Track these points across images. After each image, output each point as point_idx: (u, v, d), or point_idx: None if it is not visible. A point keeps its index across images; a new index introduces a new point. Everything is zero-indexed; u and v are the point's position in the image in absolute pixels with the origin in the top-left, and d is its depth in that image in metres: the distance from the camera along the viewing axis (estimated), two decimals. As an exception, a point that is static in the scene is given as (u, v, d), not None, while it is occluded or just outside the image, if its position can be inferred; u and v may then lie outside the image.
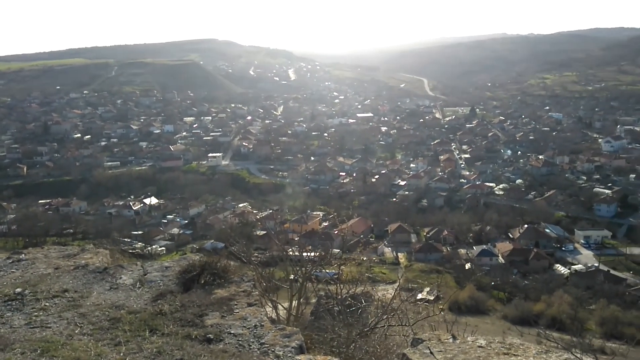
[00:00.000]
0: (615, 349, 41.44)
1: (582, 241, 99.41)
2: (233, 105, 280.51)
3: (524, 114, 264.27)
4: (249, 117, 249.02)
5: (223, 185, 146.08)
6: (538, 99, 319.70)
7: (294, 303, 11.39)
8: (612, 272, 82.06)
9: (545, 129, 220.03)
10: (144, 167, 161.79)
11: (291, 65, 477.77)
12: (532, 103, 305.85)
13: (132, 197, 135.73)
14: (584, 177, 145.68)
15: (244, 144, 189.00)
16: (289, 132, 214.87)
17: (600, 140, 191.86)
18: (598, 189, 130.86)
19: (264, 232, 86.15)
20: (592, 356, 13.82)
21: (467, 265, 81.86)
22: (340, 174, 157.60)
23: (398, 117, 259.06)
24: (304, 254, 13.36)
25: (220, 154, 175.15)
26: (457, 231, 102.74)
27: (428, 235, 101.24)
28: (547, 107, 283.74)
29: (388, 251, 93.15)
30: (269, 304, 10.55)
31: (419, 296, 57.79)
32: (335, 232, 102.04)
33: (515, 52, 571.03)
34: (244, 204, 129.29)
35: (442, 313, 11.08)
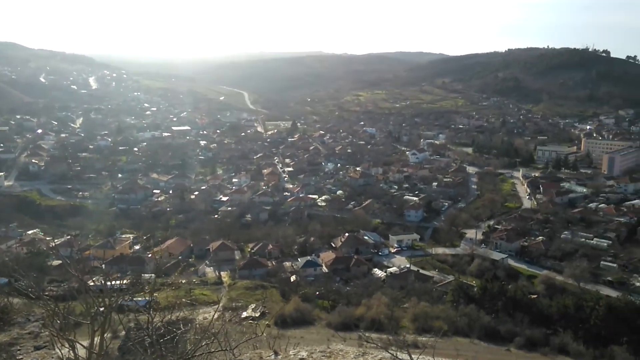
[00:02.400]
0: (425, 342, 47.06)
1: (396, 245, 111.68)
2: (19, 116, 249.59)
3: (342, 128, 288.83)
4: (40, 130, 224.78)
5: (6, 209, 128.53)
6: (354, 115, 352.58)
7: (97, 339, 10.34)
8: (421, 271, 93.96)
9: (361, 142, 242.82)
10: None
11: (92, 73, 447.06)
12: (349, 118, 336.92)
13: None
14: (396, 187, 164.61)
15: (33, 160, 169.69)
16: (91, 147, 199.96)
17: (407, 152, 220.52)
18: (407, 197, 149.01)
19: (60, 261, 76.95)
20: (405, 352, 15.23)
21: (293, 278, 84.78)
22: (155, 191, 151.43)
23: (218, 131, 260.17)
24: (110, 282, 12.35)
25: (2, 174, 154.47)
26: (282, 244, 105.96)
27: (253, 250, 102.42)
28: (362, 122, 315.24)
29: (210, 271, 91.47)
30: (66, 344, 9.42)
31: (244, 315, 57.80)
32: (149, 255, 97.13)
33: (332, 69, 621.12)
34: (34, 231, 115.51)
35: (266, 330, 11.12)
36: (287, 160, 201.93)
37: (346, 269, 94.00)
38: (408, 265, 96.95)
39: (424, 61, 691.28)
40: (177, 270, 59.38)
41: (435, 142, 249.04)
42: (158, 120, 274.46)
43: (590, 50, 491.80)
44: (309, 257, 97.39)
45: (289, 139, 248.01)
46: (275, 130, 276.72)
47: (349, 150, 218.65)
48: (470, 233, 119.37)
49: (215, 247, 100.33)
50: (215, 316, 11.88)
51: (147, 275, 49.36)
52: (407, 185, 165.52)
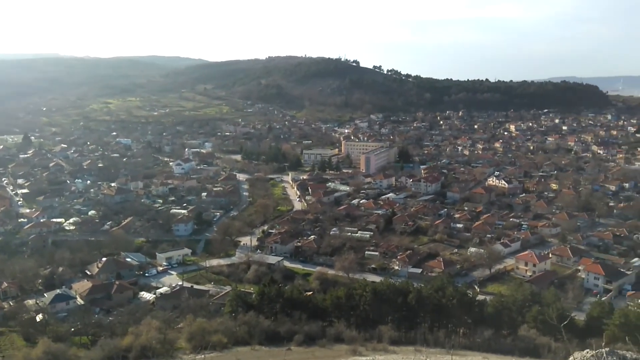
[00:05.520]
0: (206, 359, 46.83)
1: (165, 263, 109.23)
2: None
3: (90, 140, 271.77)
4: None
5: None
6: (103, 124, 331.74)
7: None
8: (195, 286, 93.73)
9: (115, 155, 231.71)
10: None
11: None
12: (98, 129, 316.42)
13: None
14: (160, 200, 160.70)
15: None
16: None
17: (171, 163, 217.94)
18: (175, 210, 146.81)
19: None
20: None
21: (39, 317, 76.63)
22: None
23: None
24: None
25: None
26: (22, 280, 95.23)
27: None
28: (115, 133, 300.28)
29: None
30: None
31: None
32: None
33: (72, 74, 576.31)
34: None
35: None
36: (21, 181, 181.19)
37: (107, 297, 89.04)
38: (180, 283, 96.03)
39: (181, 66, 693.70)
40: None
41: (202, 150, 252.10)
42: None
43: (342, 60, 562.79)
44: (58, 291, 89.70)
45: (21, 156, 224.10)
46: (2, 146, 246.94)
47: (100, 165, 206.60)
48: (245, 240, 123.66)
49: None
50: None
51: None
52: (173, 198, 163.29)
